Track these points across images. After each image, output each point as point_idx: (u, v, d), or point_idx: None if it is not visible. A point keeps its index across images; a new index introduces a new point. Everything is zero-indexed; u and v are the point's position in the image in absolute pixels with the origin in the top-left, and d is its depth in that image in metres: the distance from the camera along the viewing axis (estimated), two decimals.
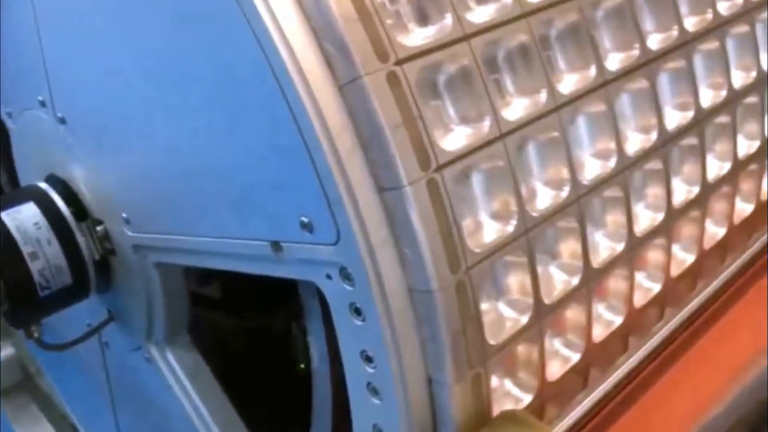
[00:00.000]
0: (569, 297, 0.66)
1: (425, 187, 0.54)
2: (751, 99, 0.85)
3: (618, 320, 0.73)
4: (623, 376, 0.77)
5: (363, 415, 0.64)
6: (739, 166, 0.84)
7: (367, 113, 0.53)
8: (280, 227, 0.60)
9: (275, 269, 0.64)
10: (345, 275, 0.56)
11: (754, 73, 0.85)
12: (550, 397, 0.68)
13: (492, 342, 0.60)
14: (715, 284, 0.88)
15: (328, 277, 0.58)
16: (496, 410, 0.62)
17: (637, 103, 0.72)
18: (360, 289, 0.56)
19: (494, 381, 0.62)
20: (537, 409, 0.66)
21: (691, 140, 0.77)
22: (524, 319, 0.62)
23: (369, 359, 0.59)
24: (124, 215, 0.80)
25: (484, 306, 0.61)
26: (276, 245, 0.61)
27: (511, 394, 0.65)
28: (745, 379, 0.76)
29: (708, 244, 0.83)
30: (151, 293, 0.85)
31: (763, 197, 0.91)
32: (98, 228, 0.85)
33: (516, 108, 0.61)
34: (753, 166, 0.87)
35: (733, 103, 0.82)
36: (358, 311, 0.57)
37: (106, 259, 0.86)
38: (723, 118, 0.81)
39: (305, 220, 0.57)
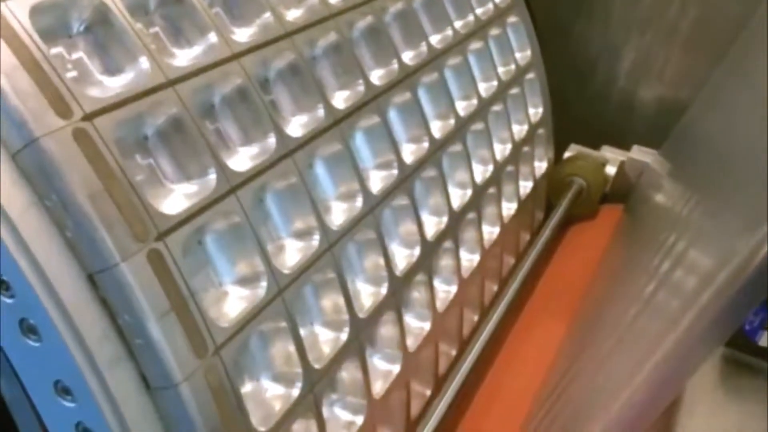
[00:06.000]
0: (341, 355, 0.59)
1: (147, 262, 0.44)
2: (478, 125, 0.88)
3: (396, 368, 0.68)
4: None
5: None
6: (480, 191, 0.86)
7: (53, 178, 0.42)
8: None
9: None
10: (0, 283, 0.43)
11: (475, 100, 0.88)
12: None
13: (262, 429, 0.51)
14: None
15: None
16: None
17: (372, 140, 0.69)
18: (24, 298, 0.42)
19: None
20: None
21: (431, 172, 0.76)
22: (294, 392, 0.54)
23: (66, 391, 0.45)
24: None
25: (247, 389, 0.53)
26: None
27: None
28: None
29: (466, 273, 0.83)
30: None
31: (506, 220, 0.95)
32: None
33: (242, 158, 0.55)
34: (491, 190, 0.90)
35: (462, 130, 0.83)
36: (31, 329, 0.44)
37: None
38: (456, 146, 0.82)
39: None
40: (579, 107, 1.24)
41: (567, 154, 1.16)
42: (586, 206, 1.12)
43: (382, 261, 0.66)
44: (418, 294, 0.74)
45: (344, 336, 0.60)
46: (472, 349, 0.80)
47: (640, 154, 1.15)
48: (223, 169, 0.51)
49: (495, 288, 0.94)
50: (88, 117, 0.44)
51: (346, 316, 0.60)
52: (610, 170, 1.14)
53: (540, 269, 1.00)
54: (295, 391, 0.54)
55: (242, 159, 0.54)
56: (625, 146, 1.17)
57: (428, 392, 0.77)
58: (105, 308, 0.44)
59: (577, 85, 1.25)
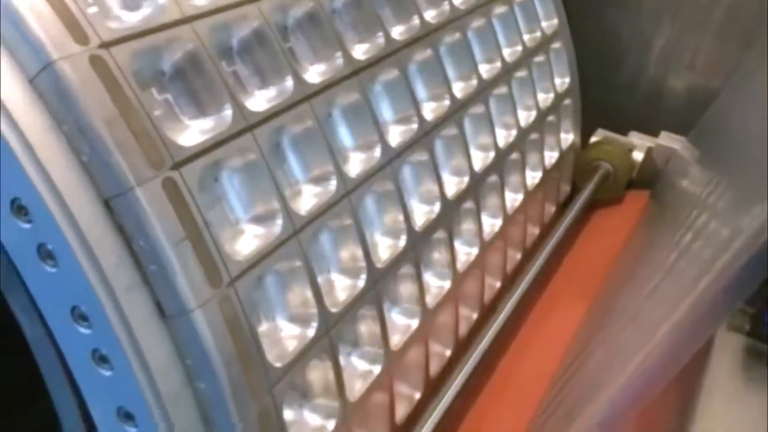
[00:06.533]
0: (357, 301, 0.59)
1: (162, 189, 0.45)
2: (501, 89, 0.87)
3: (414, 323, 0.68)
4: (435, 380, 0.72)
5: (97, 396, 0.49)
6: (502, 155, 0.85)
7: (70, 102, 0.43)
8: None
9: None
10: (19, 209, 0.43)
11: (498, 64, 0.87)
12: (357, 420, 0.60)
13: (278, 364, 0.51)
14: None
15: None
16: None
17: (392, 93, 0.69)
18: (42, 223, 0.43)
19: (288, 413, 0.54)
20: None
21: (451, 130, 0.76)
22: (310, 333, 0.54)
23: (83, 317, 0.45)
24: None
25: (263, 327, 0.53)
26: None
27: (309, 425, 0.56)
28: None
29: (488, 237, 0.82)
30: None
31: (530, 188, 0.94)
32: None
33: (259, 100, 0.55)
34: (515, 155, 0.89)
35: (484, 93, 0.83)
36: (49, 254, 0.44)
37: None
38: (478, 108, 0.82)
39: None
40: (607, 92, 1.22)
41: (594, 139, 1.15)
42: (612, 191, 1.11)
43: (400, 215, 0.66)
44: (438, 254, 0.74)
45: (361, 283, 0.60)
46: (494, 322, 0.79)
47: (668, 140, 1.13)
48: (239, 108, 0.51)
49: (518, 257, 0.93)
50: (105, 45, 0.44)
51: (363, 264, 0.60)
52: (638, 156, 1.13)
53: (564, 251, 1.00)
54: (311, 332, 0.54)
55: (259, 101, 0.55)
56: (654, 132, 1.15)
57: (448, 353, 0.76)
58: (121, 235, 0.44)
59: (606, 71, 1.24)
